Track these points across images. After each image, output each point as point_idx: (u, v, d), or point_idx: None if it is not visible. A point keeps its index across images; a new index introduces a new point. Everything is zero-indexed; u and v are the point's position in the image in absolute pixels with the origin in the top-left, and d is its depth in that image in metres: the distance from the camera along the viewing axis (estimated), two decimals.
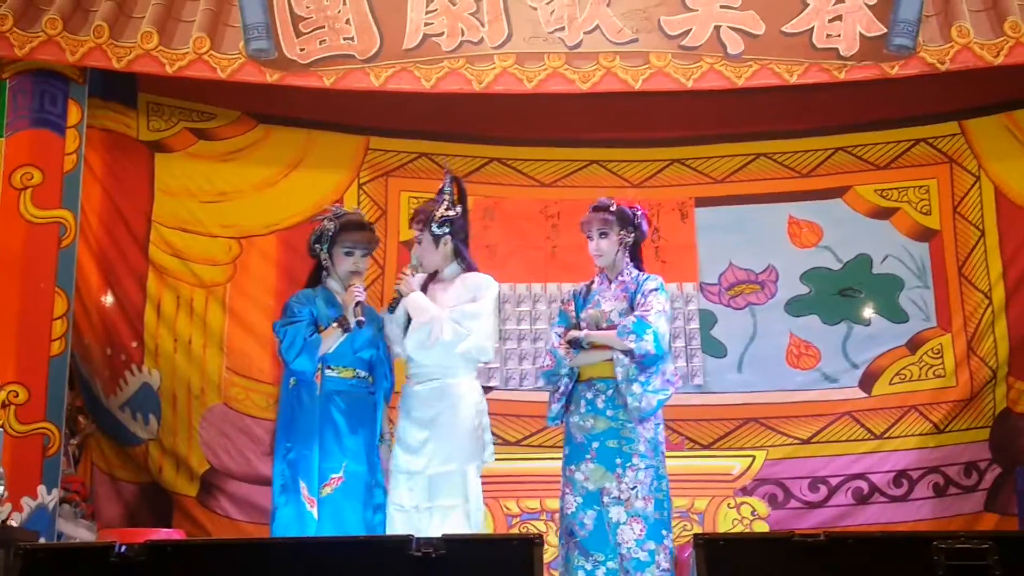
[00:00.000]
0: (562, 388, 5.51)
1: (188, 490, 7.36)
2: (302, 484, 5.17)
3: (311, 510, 5.14)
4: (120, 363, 7.41)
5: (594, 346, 5.39)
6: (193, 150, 7.76)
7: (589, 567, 5.28)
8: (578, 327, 5.51)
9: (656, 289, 5.40)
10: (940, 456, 7.42)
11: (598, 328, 5.44)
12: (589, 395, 5.40)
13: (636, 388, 5.24)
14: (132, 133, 7.65)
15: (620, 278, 5.52)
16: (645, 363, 5.25)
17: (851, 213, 7.88)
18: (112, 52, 6.83)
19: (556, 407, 5.53)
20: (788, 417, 7.59)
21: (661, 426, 5.35)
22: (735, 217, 7.92)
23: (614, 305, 5.46)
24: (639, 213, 5.57)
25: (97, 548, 3.58)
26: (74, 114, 7.01)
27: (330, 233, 5.45)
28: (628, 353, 5.25)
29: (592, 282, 5.64)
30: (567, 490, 5.40)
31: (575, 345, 5.45)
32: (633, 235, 5.54)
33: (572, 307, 5.63)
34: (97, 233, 7.40)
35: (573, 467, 5.39)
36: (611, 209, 5.54)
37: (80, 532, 6.76)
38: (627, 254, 5.55)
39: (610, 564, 5.22)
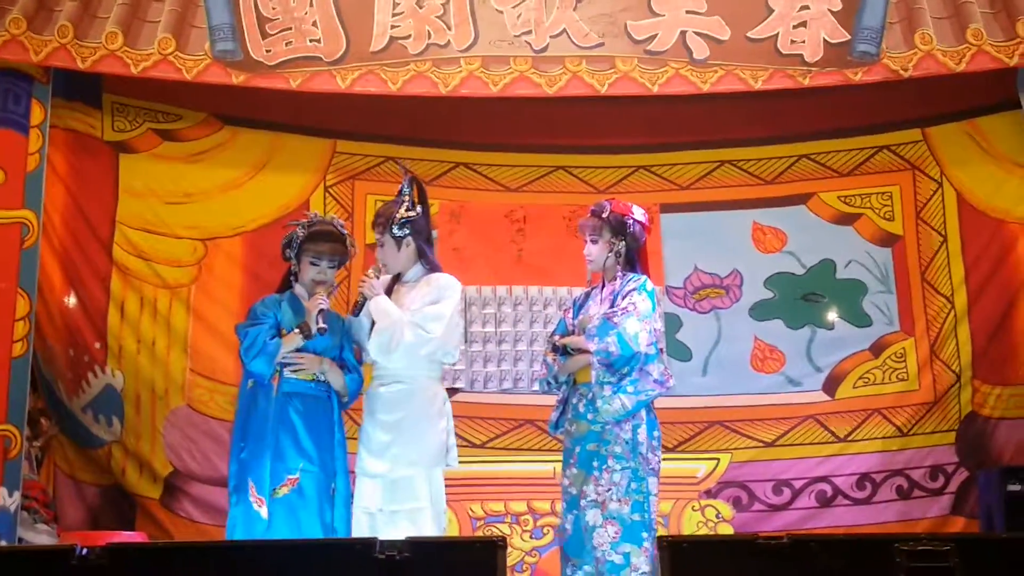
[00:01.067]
0: (560, 395, 5.51)
1: (151, 492, 7.31)
2: (251, 484, 5.15)
3: (259, 510, 5.12)
4: (83, 364, 7.36)
5: (578, 351, 5.38)
6: (158, 151, 7.70)
7: (569, 571, 5.28)
8: (573, 334, 5.48)
9: (635, 290, 5.35)
10: (904, 459, 7.46)
11: (583, 331, 5.42)
12: (575, 400, 5.40)
13: (606, 391, 5.23)
14: (96, 133, 7.59)
15: (612, 283, 5.48)
16: (615, 365, 5.22)
17: (815, 219, 7.92)
18: (77, 52, 6.80)
19: (554, 415, 5.53)
20: (752, 420, 7.61)
21: (642, 427, 5.26)
22: (700, 223, 7.94)
23: (598, 309, 5.44)
24: (631, 220, 5.50)
25: (58, 551, 3.56)
26: (37, 114, 6.98)
27: (298, 240, 5.44)
28: (597, 356, 5.24)
29: (592, 288, 5.62)
30: (562, 496, 5.40)
31: (562, 352, 5.44)
32: (624, 242, 5.47)
33: (570, 313, 5.62)
34: (60, 233, 7.35)
35: (563, 472, 5.40)
36: (603, 215, 5.50)
37: (39, 538, 6.70)
38: (621, 260, 5.47)
39: (587, 568, 5.20)
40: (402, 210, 5.45)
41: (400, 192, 5.53)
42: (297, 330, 5.31)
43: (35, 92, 6.99)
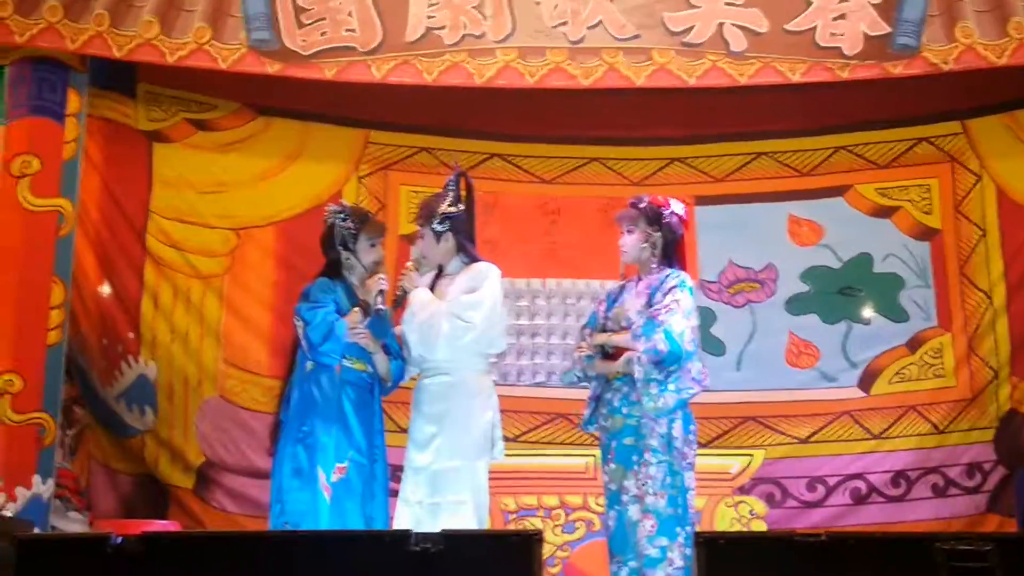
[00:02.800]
0: (591, 392, 5.47)
1: (184, 482, 7.33)
2: (319, 470, 5.14)
3: (326, 497, 5.11)
4: (116, 354, 7.38)
5: (617, 350, 5.33)
6: (192, 141, 7.71)
7: (615, 568, 5.23)
8: (605, 327, 5.44)
9: (676, 286, 5.28)
10: (940, 457, 7.39)
11: (619, 327, 5.38)
12: (608, 395, 5.36)
13: (653, 388, 5.16)
14: (131, 123, 7.60)
15: (648, 277, 5.44)
16: (665, 362, 5.15)
17: (852, 212, 7.84)
18: (113, 40, 6.80)
19: (586, 412, 5.50)
20: (787, 416, 7.55)
21: (678, 422, 5.19)
22: (735, 215, 7.87)
23: (633, 303, 5.39)
24: (669, 212, 5.44)
25: (93, 539, 3.56)
26: (73, 102, 6.98)
27: (352, 231, 5.45)
28: (647, 354, 5.18)
29: (627, 281, 5.56)
30: (604, 493, 5.37)
31: (600, 352, 5.40)
32: (660, 234, 5.42)
33: (603, 307, 5.57)
34: (95, 222, 7.36)
35: (603, 468, 5.36)
36: (639, 206, 5.45)
37: (72, 526, 6.73)
38: (657, 252, 5.43)
39: (632, 564, 5.15)
40: (444, 205, 5.45)
41: (446, 186, 5.51)
42: (358, 308, 5.31)
43: (71, 81, 6.99)
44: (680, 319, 5.21)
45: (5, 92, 6.93)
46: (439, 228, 5.42)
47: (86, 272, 7.27)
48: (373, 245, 5.47)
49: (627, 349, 5.27)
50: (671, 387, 5.17)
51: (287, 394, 5.40)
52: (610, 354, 5.36)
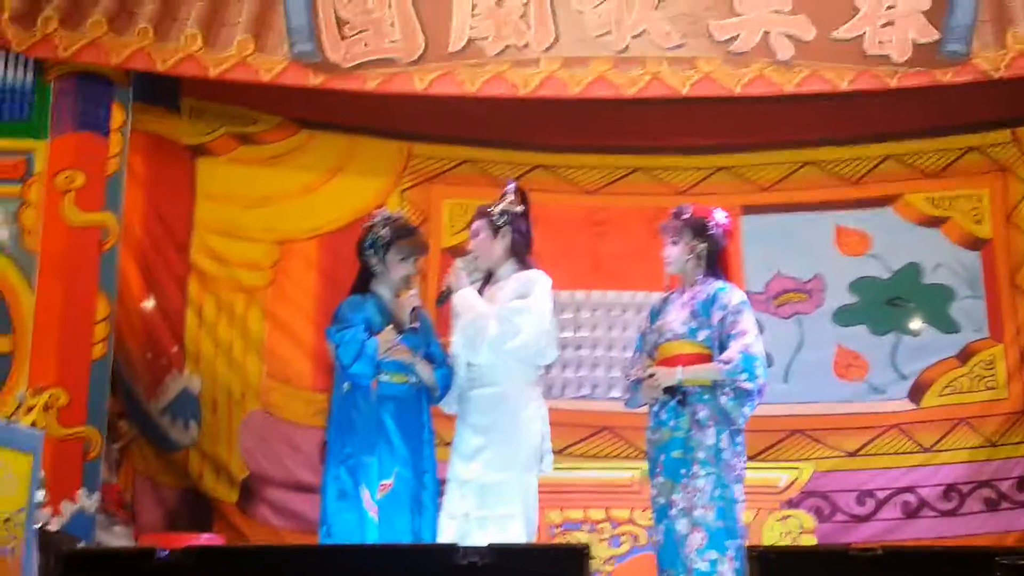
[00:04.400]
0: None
1: (228, 496, 7.31)
2: (364, 490, 5.10)
3: (372, 516, 5.07)
4: (161, 368, 7.38)
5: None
6: (235, 155, 7.73)
7: None
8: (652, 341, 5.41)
9: (743, 310, 5.23)
10: (992, 470, 7.27)
11: (665, 339, 5.32)
12: (655, 407, 5.30)
13: (735, 413, 5.15)
14: (175, 137, 7.62)
15: (693, 288, 5.36)
16: (756, 393, 5.15)
17: (901, 222, 7.76)
18: (156, 55, 6.81)
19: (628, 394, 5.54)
20: (835, 429, 7.46)
21: (726, 433, 5.14)
22: (782, 225, 7.81)
23: (678, 315, 5.33)
24: (712, 222, 5.39)
25: (138, 553, 3.54)
26: (117, 117, 7.01)
27: (385, 240, 5.38)
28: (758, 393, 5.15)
29: (670, 293, 5.51)
30: (652, 507, 5.31)
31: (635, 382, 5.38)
32: (705, 244, 5.36)
33: (648, 322, 5.52)
34: (139, 237, 7.37)
35: (651, 482, 5.30)
36: (683, 216, 5.40)
37: (116, 540, 6.71)
38: (702, 263, 5.36)
39: None
40: (505, 202, 5.40)
41: (504, 192, 5.47)
42: (391, 327, 5.26)
43: (116, 95, 7.02)
44: (761, 346, 5.20)
45: (50, 107, 6.96)
46: (498, 221, 5.35)
47: (130, 286, 7.28)
48: (404, 259, 5.38)
49: (680, 359, 5.22)
50: (746, 408, 5.15)
51: (331, 413, 5.37)
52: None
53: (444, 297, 5.38)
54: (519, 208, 5.41)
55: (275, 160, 7.78)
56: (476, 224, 5.44)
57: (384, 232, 5.39)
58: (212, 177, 7.66)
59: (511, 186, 5.51)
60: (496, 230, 5.36)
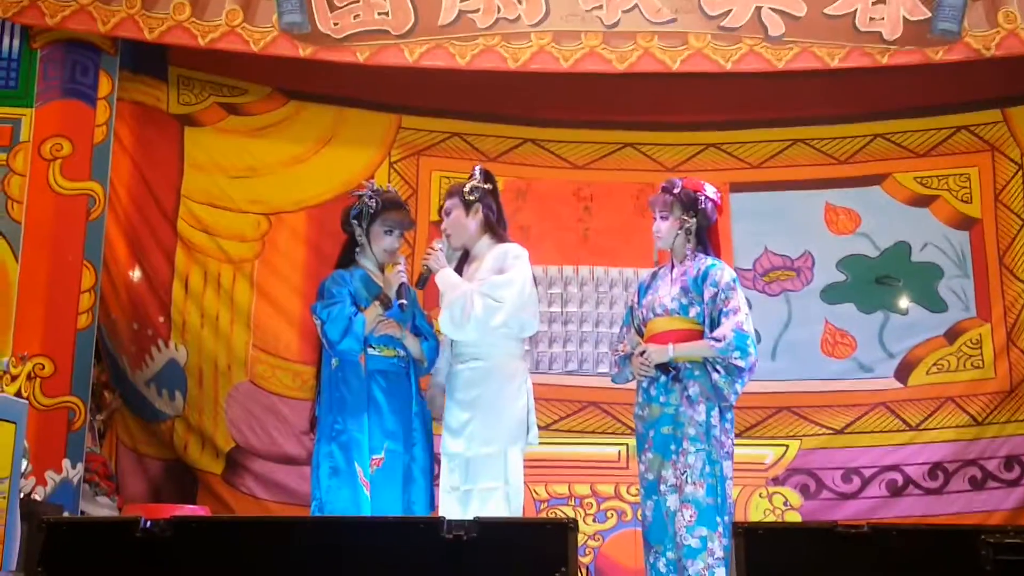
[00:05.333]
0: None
1: (213, 468, 7.29)
2: (357, 467, 5.07)
3: (366, 491, 5.05)
4: (147, 338, 7.35)
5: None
6: (223, 125, 7.67)
7: (652, 559, 5.16)
8: (641, 317, 5.39)
9: (734, 287, 5.22)
10: (978, 449, 7.28)
11: (654, 314, 5.31)
12: (645, 383, 5.28)
13: (727, 390, 5.14)
14: (162, 106, 7.56)
15: (683, 264, 5.35)
16: (746, 370, 5.14)
17: (890, 200, 7.74)
18: (144, 23, 6.77)
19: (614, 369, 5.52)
20: (822, 406, 7.46)
21: (716, 410, 5.14)
22: (771, 203, 7.79)
23: (668, 291, 5.31)
24: (704, 197, 5.35)
25: (122, 523, 3.51)
26: (105, 85, 6.97)
27: (371, 210, 5.34)
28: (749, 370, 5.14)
29: (659, 268, 5.49)
30: (640, 483, 5.31)
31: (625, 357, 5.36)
32: (695, 219, 5.32)
33: (636, 297, 5.50)
34: (126, 206, 7.33)
35: (639, 458, 5.30)
36: (674, 191, 5.36)
37: (100, 510, 6.70)
38: (692, 239, 5.34)
39: (669, 555, 5.08)
40: (475, 180, 5.37)
41: (471, 175, 5.43)
42: (377, 302, 5.23)
43: (102, 63, 6.98)
44: (750, 322, 5.19)
45: (37, 75, 6.91)
46: (470, 197, 5.33)
47: (116, 256, 7.25)
48: (388, 232, 5.34)
49: (671, 335, 5.21)
50: (737, 385, 5.15)
51: (319, 389, 5.35)
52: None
53: (423, 279, 5.34)
54: (487, 186, 5.38)
55: (263, 131, 7.73)
56: (448, 203, 5.41)
57: (371, 203, 5.35)
58: (200, 147, 7.61)
59: (477, 168, 5.48)
60: (468, 206, 5.33)
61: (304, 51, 6.86)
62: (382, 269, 5.41)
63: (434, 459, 5.33)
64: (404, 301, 5.21)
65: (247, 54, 6.89)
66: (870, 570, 3.34)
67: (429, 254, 5.34)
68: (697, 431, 5.10)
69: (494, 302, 5.14)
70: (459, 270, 5.39)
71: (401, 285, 5.24)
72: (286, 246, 7.63)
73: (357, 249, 5.40)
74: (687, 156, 7.86)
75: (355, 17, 6.84)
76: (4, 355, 6.53)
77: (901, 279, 7.63)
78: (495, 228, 5.39)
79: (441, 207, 5.56)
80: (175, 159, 7.57)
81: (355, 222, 5.36)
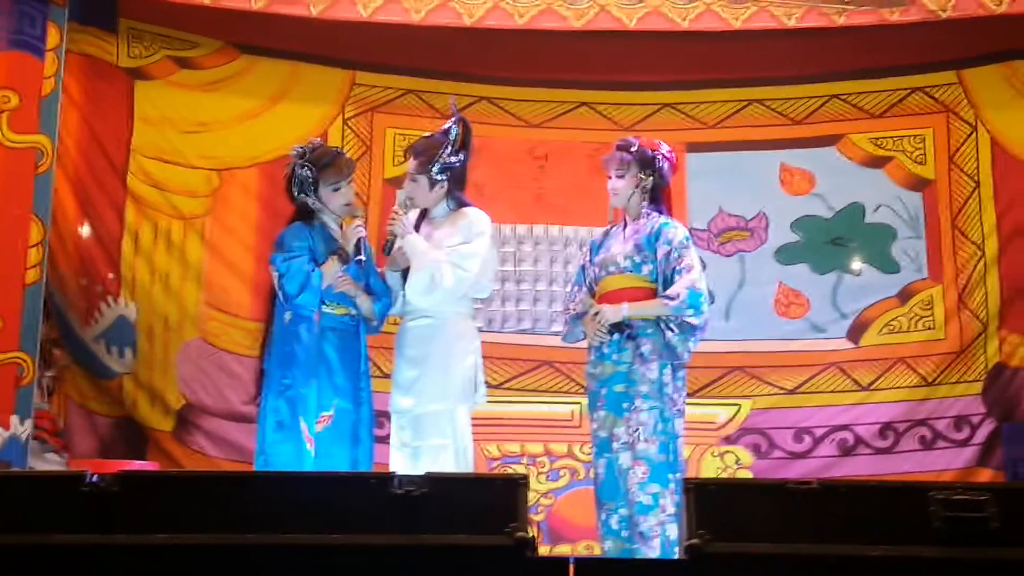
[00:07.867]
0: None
1: (163, 425, 7.23)
2: (302, 422, 5.04)
3: (309, 449, 5.02)
4: (96, 294, 7.27)
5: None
6: (174, 79, 7.56)
7: (604, 516, 5.16)
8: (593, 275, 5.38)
9: (688, 245, 5.21)
10: (928, 409, 7.35)
11: (607, 272, 5.30)
12: (596, 342, 5.27)
13: (681, 348, 5.13)
14: (112, 59, 7.44)
15: (636, 222, 5.33)
16: (699, 328, 5.14)
17: (844, 161, 7.76)
18: None
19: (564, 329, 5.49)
20: (775, 367, 7.49)
21: (668, 367, 5.13)
22: (726, 163, 7.78)
23: (621, 248, 5.29)
24: (660, 156, 5.33)
25: (68, 477, 3.47)
26: (53, 37, 6.83)
27: (309, 178, 5.25)
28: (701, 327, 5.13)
29: (611, 227, 5.47)
30: (592, 441, 5.30)
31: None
32: (652, 178, 5.31)
33: (588, 255, 5.48)
34: (75, 160, 7.23)
35: (591, 416, 5.29)
36: (631, 149, 5.33)
37: (49, 467, 6.65)
38: (646, 197, 5.32)
39: (622, 511, 5.08)
40: (446, 154, 5.27)
41: (446, 131, 5.33)
42: (335, 257, 5.18)
43: (51, 15, 6.84)
44: (703, 281, 5.18)
45: None
46: (437, 177, 5.27)
47: (65, 210, 7.15)
48: (336, 189, 5.25)
49: (623, 294, 5.20)
50: (690, 342, 5.13)
51: (268, 342, 5.28)
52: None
53: (389, 245, 5.30)
54: (460, 158, 5.31)
55: (215, 85, 7.62)
56: (412, 171, 5.32)
57: (304, 172, 5.24)
58: (150, 101, 7.50)
59: (454, 125, 5.35)
60: (433, 183, 5.28)
61: (257, 3, 6.80)
62: (341, 226, 5.36)
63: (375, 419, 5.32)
64: (362, 257, 5.17)
65: (199, 6, 6.83)
66: (820, 527, 3.34)
67: (394, 219, 5.29)
68: (650, 389, 5.09)
69: (463, 271, 5.16)
70: (417, 226, 5.35)
71: (359, 240, 5.19)
72: (238, 202, 7.55)
73: (311, 208, 5.33)
74: (643, 116, 7.82)
75: None
76: None
77: (855, 240, 7.64)
78: (457, 195, 5.37)
79: (411, 156, 5.42)
80: (125, 113, 7.46)
81: (301, 194, 5.29)
